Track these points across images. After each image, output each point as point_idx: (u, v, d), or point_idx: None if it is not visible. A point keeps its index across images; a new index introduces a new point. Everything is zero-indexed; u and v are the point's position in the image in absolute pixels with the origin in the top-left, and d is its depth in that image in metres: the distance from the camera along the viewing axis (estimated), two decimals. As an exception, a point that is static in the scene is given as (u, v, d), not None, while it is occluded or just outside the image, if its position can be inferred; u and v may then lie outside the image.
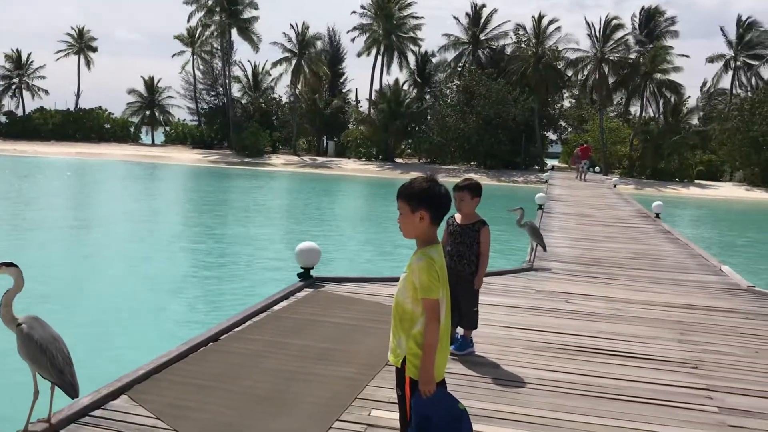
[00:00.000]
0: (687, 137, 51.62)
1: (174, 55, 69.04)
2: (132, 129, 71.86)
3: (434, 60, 63.93)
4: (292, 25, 61.71)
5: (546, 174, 40.88)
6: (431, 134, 55.06)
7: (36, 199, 27.90)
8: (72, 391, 3.90)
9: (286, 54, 61.12)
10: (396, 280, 3.43)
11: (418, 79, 63.57)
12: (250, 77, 68.88)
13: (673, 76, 53.76)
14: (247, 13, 62.93)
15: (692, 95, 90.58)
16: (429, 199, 3.28)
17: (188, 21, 64.31)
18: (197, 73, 68.42)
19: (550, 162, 58.01)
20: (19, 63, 72.35)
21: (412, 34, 62.38)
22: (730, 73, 63.68)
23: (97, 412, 4.31)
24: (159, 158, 56.40)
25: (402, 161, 59.33)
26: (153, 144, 70.57)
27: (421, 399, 3.21)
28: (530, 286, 9.02)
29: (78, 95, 72.68)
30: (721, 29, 64.05)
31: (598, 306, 8.05)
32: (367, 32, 61.58)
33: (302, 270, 8.22)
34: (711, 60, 64.27)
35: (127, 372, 4.91)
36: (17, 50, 72.68)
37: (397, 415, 3.63)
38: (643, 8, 63.48)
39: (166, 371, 5.10)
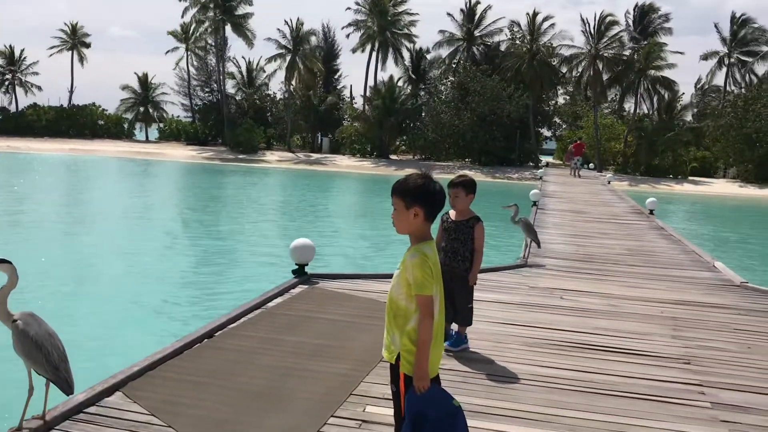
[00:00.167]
0: (681, 134, 51.76)
1: (168, 52, 69.02)
2: (126, 125, 71.73)
3: (429, 57, 64.00)
4: (286, 21, 61.77)
5: (540, 171, 40.96)
6: (426, 131, 55.09)
7: (30, 196, 27.80)
8: (67, 387, 3.89)
9: (281, 50, 61.08)
10: (390, 276, 3.44)
11: (413, 76, 63.59)
12: (245, 73, 68.77)
13: (667, 73, 53.98)
14: (241, 9, 62.86)
15: (686, 92, 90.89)
16: (424, 196, 3.28)
17: (182, 17, 64.30)
18: (191, 69, 68.40)
19: (545, 159, 58.09)
20: (12, 59, 72.10)
21: (406, 31, 62.39)
22: (724, 69, 63.89)
23: (92, 409, 4.31)
24: (153, 155, 56.29)
25: (396, 158, 59.33)
26: (147, 140, 70.45)
27: (415, 395, 3.22)
28: (524, 282, 9.04)
29: (71, 91, 72.56)
30: (716, 26, 64.53)
31: (593, 302, 8.08)
32: (362, 28, 61.57)
33: (297, 266, 8.22)
34: (705, 57, 64.49)
35: (121, 368, 4.91)
36: (10, 46, 72.50)
37: (391, 411, 3.64)
38: (637, 5, 63.58)
39: (161, 368, 5.10)
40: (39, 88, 73.67)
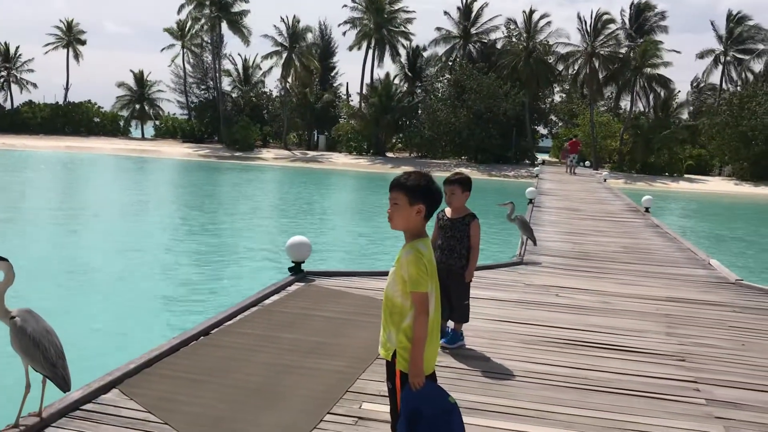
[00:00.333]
0: (677, 132, 51.87)
1: (163, 49, 68.88)
2: (121, 123, 71.58)
3: (425, 54, 63.96)
4: (282, 18, 61.65)
5: (536, 168, 41.00)
6: (422, 128, 55.08)
7: (26, 193, 27.76)
8: (64, 384, 3.90)
9: (277, 47, 61.04)
10: (386, 274, 3.45)
11: (409, 74, 63.56)
12: (241, 71, 68.68)
13: (663, 71, 54.03)
14: (237, 7, 62.80)
15: (682, 90, 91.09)
16: (428, 194, 3.32)
17: (178, 14, 64.16)
18: (187, 66, 68.27)
19: (541, 156, 58.15)
20: (7, 56, 71.89)
21: (403, 28, 62.38)
22: (720, 67, 63.99)
23: (89, 406, 4.31)
24: (149, 152, 56.21)
25: (393, 155, 59.32)
26: (143, 138, 70.32)
27: (410, 392, 3.24)
28: (520, 279, 9.07)
29: (67, 89, 72.40)
30: (712, 24, 64.65)
31: (588, 299, 8.11)
32: (358, 26, 61.53)
33: (293, 264, 8.23)
34: (701, 56, 64.60)
35: (118, 366, 4.92)
36: (5, 43, 72.28)
37: (387, 408, 3.66)
38: (633, 3, 63.64)
39: (158, 365, 5.11)
40: (34, 85, 73.61)
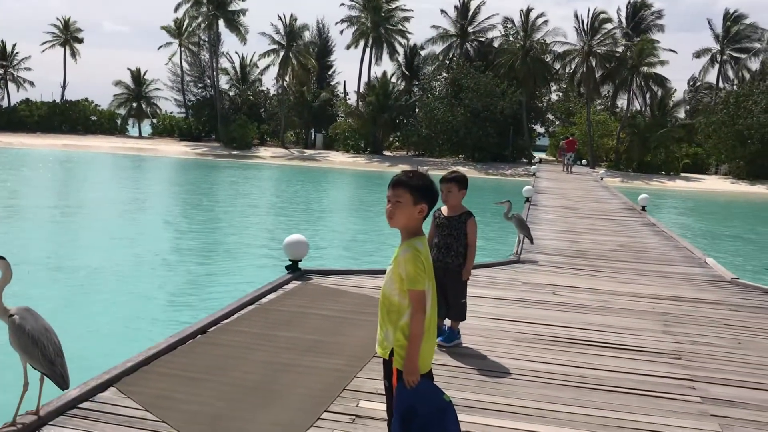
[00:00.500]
0: (673, 130, 51.97)
1: (161, 47, 68.79)
2: (119, 121, 71.46)
3: (422, 53, 63.95)
4: (279, 17, 61.64)
5: (533, 167, 41.04)
6: (419, 127, 55.08)
7: (23, 191, 27.71)
8: (62, 382, 3.91)
9: (274, 46, 60.99)
10: (384, 272, 3.46)
11: (406, 72, 63.55)
12: (238, 69, 68.64)
13: (660, 70, 54.13)
14: (235, 5, 62.71)
15: (679, 89, 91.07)
16: (431, 195, 3.37)
17: (175, 12, 64.00)
18: (184, 64, 68.15)
19: (538, 155, 58.21)
20: (4, 54, 71.76)
21: (400, 27, 62.37)
22: (717, 66, 64.05)
23: (86, 404, 4.31)
24: (146, 150, 56.16)
25: (390, 154, 59.33)
26: (140, 136, 70.22)
27: (405, 389, 3.25)
28: (517, 278, 9.08)
29: (64, 87, 72.28)
30: (709, 22, 64.54)
31: (585, 298, 8.12)
32: (356, 24, 61.51)
33: (290, 262, 8.24)
34: (698, 55, 64.64)
35: (115, 364, 4.92)
36: (2, 41, 72.22)
37: (384, 406, 3.67)
38: (629, 2, 63.71)
39: (155, 363, 5.11)
40: (31, 83, 73.51)
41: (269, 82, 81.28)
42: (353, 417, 4.40)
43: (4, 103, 70.77)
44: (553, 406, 4.75)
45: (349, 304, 7.10)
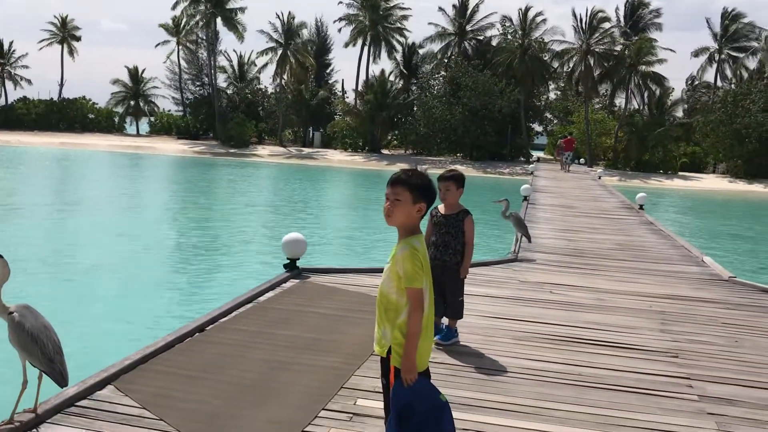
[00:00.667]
0: (671, 129, 52.02)
1: (158, 45, 68.71)
2: (116, 119, 71.36)
3: (421, 51, 63.93)
4: (277, 15, 61.58)
5: (531, 165, 41.07)
6: (417, 125, 55.08)
7: (22, 189, 27.68)
8: (61, 379, 3.91)
9: (272, 44, 60.94)
10: (381, 270, 3.46)
11: (405, 71, 63.52)
12: (236, 67, 68.54)
13: (658, 69, 54.17)
14: (233, 3, 62.63)
15: (677, 88, 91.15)
16: (430, 194, 3.39)
17: (173, 10, 63.91)
18: (182, 63, 68.08)
19: (536, 154, 58.23)
20: (1, 52, 71.59)
21: (398, 25, 62.33)
22: (715, 65, 64.11)
23: (84, 402, 4.31)
24: (144, 149, 56.10)
25: (388, 152, 59.32)
26: (138, 134, 70.13)
27: (402, 388, 3.25)
28: (515, 276, 9.09)
29: (61, 85, 72.13)
30: (707, 21, 64.54)
31: (582, 296, 8.13)
32: (354, 23, 61.46)
33: (288, 261, 8.24)
34: (696, 54, 64.67)
35: (113, 362, 4.92)
36: (-1, 39, 71.94)
37: (382, 404, 3.67)
38: (627, 0, 63.68)
39: (153, 361, 5.11)
40: (29, 81, 73.39)
41: (267, 81, 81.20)
42: (351, 415, 4.40)
43: (2, 101, 70.68)
44: (550, 404, 4.75)
45: (347, 303, 7.10)
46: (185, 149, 56.29)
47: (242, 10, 62.61)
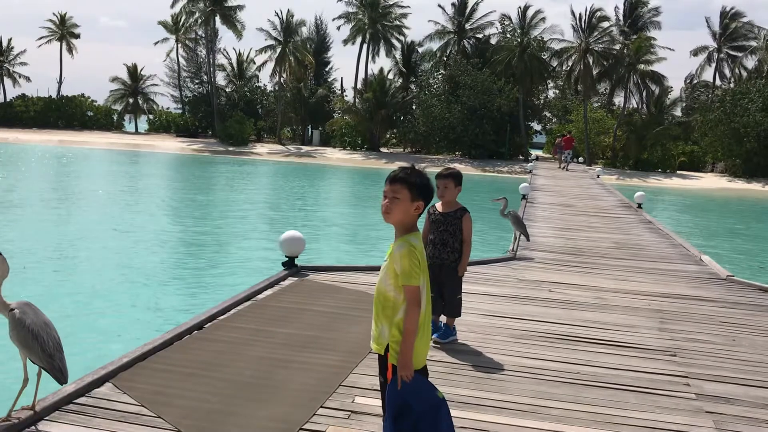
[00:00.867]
0: (670, 128, 52.02)
1: (157, 43, 68.64)
2: (115, 117, 71.29)
3: (420, 50, 63.88)
4: (276, 13, 61.49)
5: (530, 164, 41.07)
6: (416, 124, 55.05)
7: (20, 186, 27.65)
8: (61, 376, 3.92)
9: (271, 42, 60.87)
10: (380, 268, 3.47)
11: (404, 69, 63.46)
12: (235, 65, 68.49)
13: (657, 68, 54.17)
14: (232, 1, 62.54)
15: (676, 87, 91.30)
16: (428, 192, 3.40)
17: (171, 7, 63.82)
18: (181, 60, 68.02)
19: (535, 152, 58.22)
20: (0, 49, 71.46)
21: (397, 23, 62.27)
22: (713, 64, 64.11)
23: (82, 400, 4.31)
24: (143, 146, 56.05)
25: (387, 151, 59.29)
26: (136, 132, 70.08)
27: (398, 386, 3.25)
28: (513, 275, 9.10)
29: (60, 82, 72.06)
30: (707, 20, 64.50)
31: (581, 295, 8.14)
32: (353, 20, 61.41)
33: (286, 259, 8.24)
34: (695, 53, 64.67)
35: (111, 359, 4.92)
36: (-2, 36, 71.83)
37: (380, 402, 3.67)
38: (627, -2, 63.63)
39: (151, 359, 5.11)
40: (27, 78, 73.29)
41: (266, 79, 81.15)
42: (349, 413, 4.40)
43: (0, 99, 70.54)
44: (548, 403, 4.76)
45: (345, 301, 7.11)
46: (184, 147, 56.25)
47: (241, 8, 62.60)
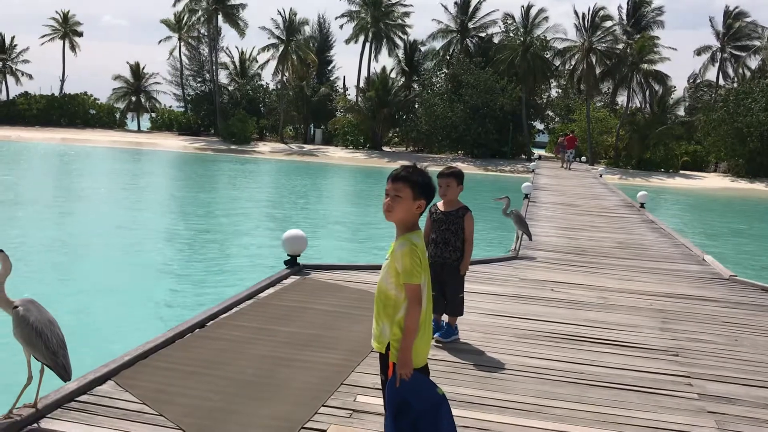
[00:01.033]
0: (673, 128, 51.93)
1: (160, 41, 68.65)
2: (117, 115, 71.32)
3: (422, 49, 63.79)
4: (279, 11, 61.47)
5: (533, 164, 41.05)
6: (419, 123, 55.02)
7: (22, 185, 27.68)
8: (65, 373, 3.93)
9: (274, 40, 60.85)
10: (382, 267, 3.46)
11: (406, 68, 63.39)
12: (237, 64, 68.45)
13: (660, 67, 54.00)
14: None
15: (679, 86, 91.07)
16: (430, 191, 3.40)
17: (174, 6, 63.82)
18: (184, 59, 68.01)
19: (537, 151, 58.16)
20: (2, 47, 71.49)
21: (400, 22, 62.22)
22: (717, 64, 63.98)
23: (84, 397, 4.32)
24: (145, 144, 56.08)
25: (389, 150, 59.27)
26: (139, 130, 70.11)
27: (398, 384, 3.25)
28: (516, 274, 9.09)
29: (63, 80, 72.06)
30: (710, 20, 64.33)
31: (583, 294, 8.13)
32: (356, 19, 61.37)
33: (289, 257, 8.24)
34: (698, 52, 64.55)
35: (113, 358, 4.92)
36: (1, 34, 71.89)
37: (381, 401, 3.66)
38: (630, -3, 63.50)
39: (153, 357, 5.11)
40: (30, 76, 73.23)
41: (268, 77, 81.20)
42: (351, 411, 4.40)
43: (3, 96, 70.60)
44: (551, 402, 4.75)
45: (348, 299, 7.10)
46: (186, 145, 56.26)
47: (243, 6, 62.58)
